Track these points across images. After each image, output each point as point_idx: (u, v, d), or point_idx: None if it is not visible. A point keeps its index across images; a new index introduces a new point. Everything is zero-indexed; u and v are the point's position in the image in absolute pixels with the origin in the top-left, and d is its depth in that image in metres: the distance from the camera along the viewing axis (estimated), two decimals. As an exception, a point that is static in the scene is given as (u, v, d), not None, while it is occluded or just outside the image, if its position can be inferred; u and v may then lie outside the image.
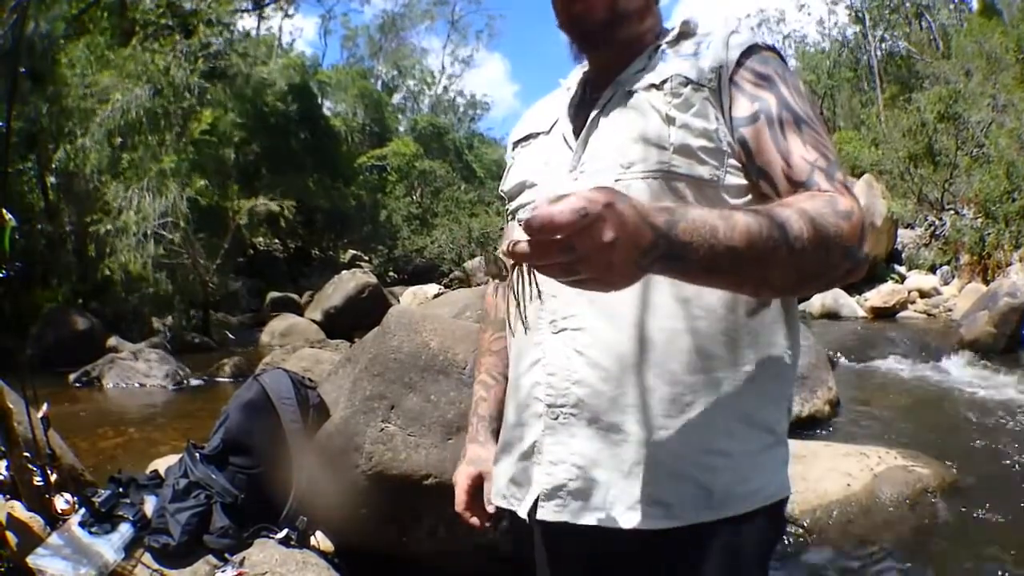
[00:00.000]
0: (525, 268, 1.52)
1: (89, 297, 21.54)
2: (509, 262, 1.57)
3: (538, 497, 1.93)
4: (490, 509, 2.24)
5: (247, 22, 39.56)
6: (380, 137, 54.48)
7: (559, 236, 1.24)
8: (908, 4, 51.23)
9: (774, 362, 1.91)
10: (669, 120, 1.87)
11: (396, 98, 69.51)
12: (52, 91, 21.09)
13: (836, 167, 1.81)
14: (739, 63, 1.91)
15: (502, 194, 2.34)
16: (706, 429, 1.82)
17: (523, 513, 1.97)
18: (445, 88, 76.50)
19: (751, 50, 1.94)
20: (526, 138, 2.30)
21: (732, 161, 1.87)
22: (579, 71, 2.29)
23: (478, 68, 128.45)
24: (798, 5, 70.95)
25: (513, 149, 2.36)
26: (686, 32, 2.06)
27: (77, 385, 14.87)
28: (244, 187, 30.41)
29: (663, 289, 1.82)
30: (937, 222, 26.98)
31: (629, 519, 1.80)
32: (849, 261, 1.65)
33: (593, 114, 2.02)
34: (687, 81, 1.90)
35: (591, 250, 1.25)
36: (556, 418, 1.89)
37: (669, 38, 2.06)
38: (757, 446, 1.88)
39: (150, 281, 21.50)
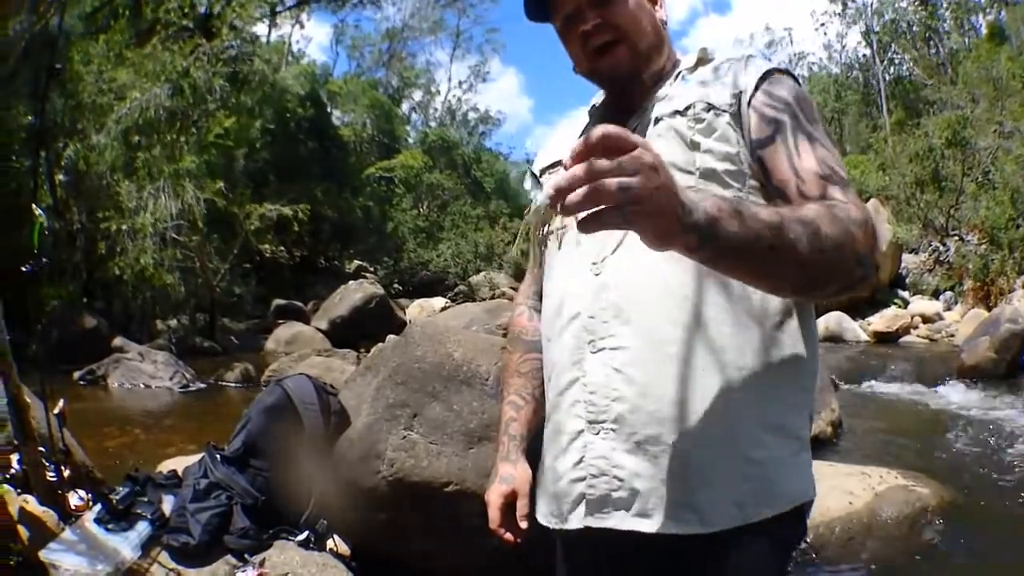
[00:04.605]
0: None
1: (95, 296, 21.58)
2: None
3: (581, 508, 2.00)
4: (523, 525, 2.30)
5: (259, 28, 39.48)
6: (388, 148, 54.22)
7: (604, 145, 1.33)
8: (917, 28, 51.23)
9: (798, 372, 2.00)
10: (694, 145, 1.97)
11: (404, 107, 69.20)
12: (68, 87, 21.12)
13: (847, 183, 1.90)
14: (757, 87, 2.01)
15: (530, 216, 2.39)
16: (739, 438, 1.91)
17: (572, 526, 2.04)
18: (459, 100, 76.01)
19: (768, 74, 2.04)
20: (553, 165, 2.36)
21: (752, 182, 1.98)
22: (600, 96, 2.38)
23: (493, 82, 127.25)
24: (815, 24, 70.51)
25: (540, 176, 2.43)
26: (704, 59, 2.17)
27: (82, 383, 14.98)
28: (253, 193, 30.33)
29: (691, 308, 1.90)
30: (941, 248, 26.96)
31: (668, 525, 1.88)
32: (861, 268, 1.74)
33: None
34: (709, 107, 2.00)
35: (640, 165, 1.32)
36: (597, 433, 1.96)
37: (688, 64, 2.17)
38: (785, 453, 1.97)
39: (162, 282, 21.53)
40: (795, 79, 2.09)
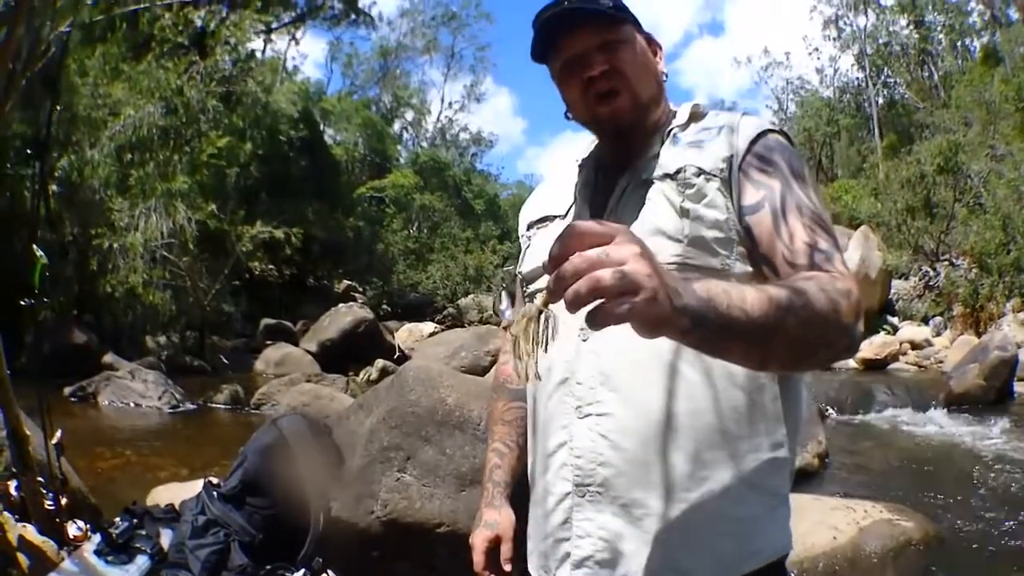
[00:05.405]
0: (543, 318, 1.46)
1: (85, 309, 21.61)
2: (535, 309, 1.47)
3: (567, 566, 2.04)
4: (507, 568, 2.37)
5: (254, 44, 39.27)
6: (380, 168, 54.08)
7: (584, 241, 1.30)
8: (912, 51, 51.22)
9: (780, 434, 2.01)
10: (683, 212, 1.96)
11: (396, 126, 68.89)
12: (64, 98, 21.10)
13: (835, 250, 1.90)
14: (748, 149, 2.02)
15: (519, 274, 2.42)
16: (722, 500, 1.92)
17: None
18: (450, 120, 75.49)
19: (760, 135, 2.04)
20: (542, 220, 2.38)
21: (739, 248, 1.98)
22: (590, 146, 2.39)
23: (486, 102, 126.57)
24: (808, 48, 70.16)
25: (528, 229, 2.45)
26: (696, 115, 2.18)
27: (72, 400, 14.97)
28: (244, 211, 30.23)
29: (676, 375, 1.93)
30: (931, 272, 26.90)
31: None
32: (847, 338, 1.73)
33: (610, 204, 2.13)
34: (700, 171, 2.00)
35: (626, 255, 1.28)
36: (583, 496, 1.99)
37: (680, 121, 2.17)
38: (762, 510, 1.98)
39: (152, 301, 21.51)
40: (788, 139, 2.12)
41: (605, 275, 1.26)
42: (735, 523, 1.95)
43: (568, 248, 1.30)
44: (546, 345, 1.50)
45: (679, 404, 1.93)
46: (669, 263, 1.87)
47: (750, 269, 1.98)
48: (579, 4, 2.08)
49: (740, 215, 1.99)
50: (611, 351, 1.98)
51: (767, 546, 2.00)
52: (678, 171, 2.04)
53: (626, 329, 1.34)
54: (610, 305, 1.28)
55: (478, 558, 2.39)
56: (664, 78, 2.27)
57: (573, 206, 2.29)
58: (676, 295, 1.36)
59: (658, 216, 2.00)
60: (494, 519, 2.43)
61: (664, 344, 1.82)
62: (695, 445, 1.92)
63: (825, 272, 1.82)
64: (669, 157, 2.09)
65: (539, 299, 1.42)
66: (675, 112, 2.25)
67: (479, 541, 2.41)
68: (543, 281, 1.90)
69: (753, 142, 2.04)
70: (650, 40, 2.26)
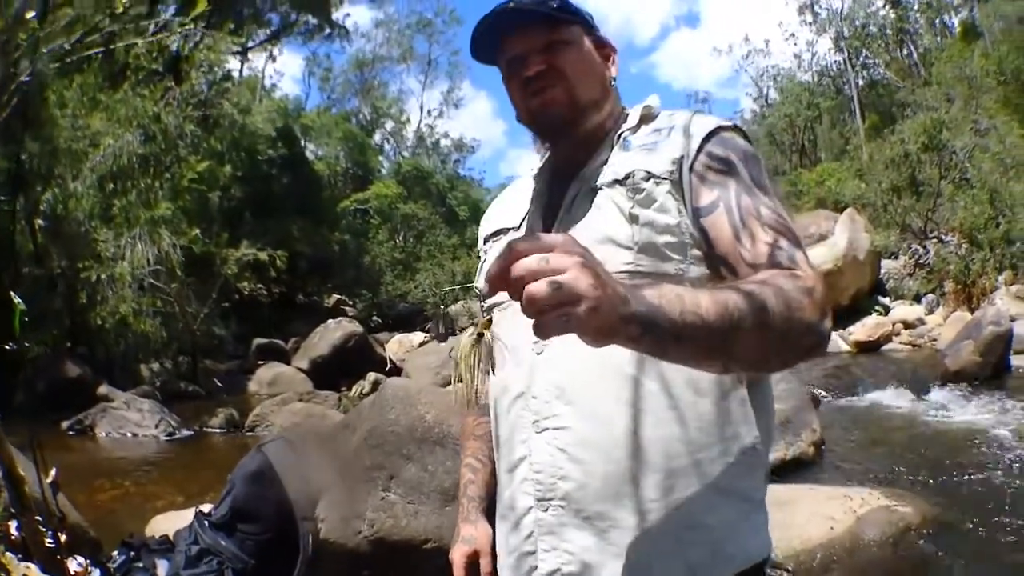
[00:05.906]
0: (484, 342, 1.49)
1: (78, 341, 21.63)
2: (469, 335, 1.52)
3: None
4: None
5: (231, 64, 39.18)
6: (363, 180, 54.03)
7: (525, 256, 1.27)
8: (889, 31, 51.29)
9: (749, 437, 1.98)
10: (632, 219, 1.92)
11: (376, 137, 68.77)
12: (44, 132, 21.13)
13: (796, 246, 1.85)
14: (700, 149, 1.96)
15: (477, 290, 2.40)
16: (690, 507, 1.89)
17: None
18: (430, 128, 75.13)
19: (712, 133, 1.99)
20: (496, 233, 2.37)
21: (694, 251, 1.93)
22: (546, 155, 2.36)
23: (465, 107, 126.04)
24: (785, 35, 70.16)
25: (485, 243, 2.44)
26: (648, 116, 2.13)
27: (70, 433, 14.96)
28: (228, 232, 30.17)
29: (634, 385, 1.90)
30: (921, 250, 26.84)
31: None
32: (812, 336, 1.69)
33: (560, 213, 2.11)
34: (649, 175, 1.96)
35: (566, 265, 1.26)
36: (546, 510, 1.97)
37: (630, 123, 2.14)
38: (735, 516, 1.95)
39: (143, 329, 21.52)
40: (742, 133, 2.07)
41: (540, 287, 1.25)
42: (706, 530, 1.91)
43: (507, 266, 1.29)
44: (492, 368, 1.49)
45: (639, 415, 1.90)
46: (620, 271, 1.86)
47: (707, 272, 1.94)
48: (523, 5, 2.07)
49: (695, 217, 1.94)
50: (565, 364, 1.96)
51: (740, 552, 1.97)
52: (627, 176, 2.00)
53: (579, 341, 1.32)
54: (549, 316, 1.27)
55: (458, 573, 2.39)
56: (613, 82, 2.24)
57: (527, 216, 2.28)
58: (624, 303, 1.35)
59: (608, 223, 1.98)
60: (471, 534, 2.42)
61: (621, 354, 1.69)
62: (659, 456, 1.89)
63: (787, 270, 1.78)
64: (619, 162, 2.06)
65: (474, 327, 1.42)
66: (627, 115, 2.21)
67: (458, 557, 2.40)
68: (500, 295, 1.90)
69: (705, 140, 1.99)
70: (602, 43, 2.23)
